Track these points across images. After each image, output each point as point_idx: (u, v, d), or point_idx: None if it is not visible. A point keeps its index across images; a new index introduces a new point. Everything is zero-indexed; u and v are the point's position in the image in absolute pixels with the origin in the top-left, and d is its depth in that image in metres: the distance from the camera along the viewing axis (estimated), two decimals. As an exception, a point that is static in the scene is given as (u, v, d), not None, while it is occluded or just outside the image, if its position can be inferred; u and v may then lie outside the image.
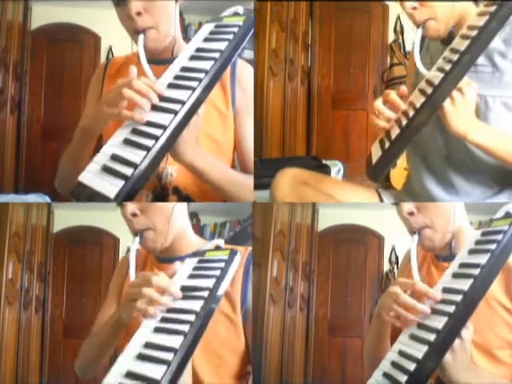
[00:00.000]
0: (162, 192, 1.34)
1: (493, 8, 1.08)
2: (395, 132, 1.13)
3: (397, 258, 3.21)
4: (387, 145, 1.14)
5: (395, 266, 3.22)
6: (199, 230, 3.28)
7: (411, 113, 1.11)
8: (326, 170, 2.64)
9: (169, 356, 0.95)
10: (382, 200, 1.47)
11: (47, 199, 1.88)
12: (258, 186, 1.39)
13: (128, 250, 3.24)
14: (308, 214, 3.06)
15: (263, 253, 2.88)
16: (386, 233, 3.23)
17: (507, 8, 1.06)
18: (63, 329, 3.08)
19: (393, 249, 3.22)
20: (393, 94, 1.16)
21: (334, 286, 3.20)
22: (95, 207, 2.84)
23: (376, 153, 1.18)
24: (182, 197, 1.33)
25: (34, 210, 2.91)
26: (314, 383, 3.05)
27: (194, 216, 3.19)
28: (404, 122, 1.12)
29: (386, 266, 3.24)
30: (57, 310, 3.09)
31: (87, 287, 3.11)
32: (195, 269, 1.12)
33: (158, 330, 1.01)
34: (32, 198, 1.93)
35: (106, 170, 1.04)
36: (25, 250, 2.87)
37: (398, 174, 2.11)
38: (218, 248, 1.17)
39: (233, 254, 1.12)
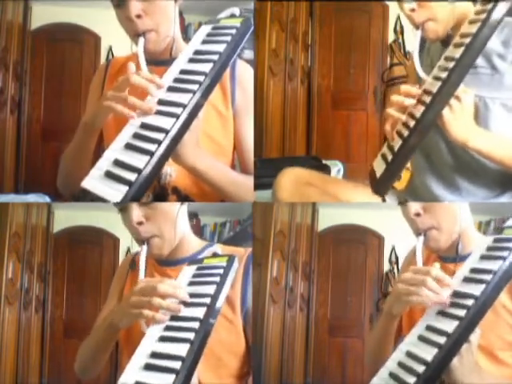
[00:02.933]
0: (162, 192, 1.34)
1: (483, 15, 1.08)
2: (397, 144, 1.13)
3: (397, 258, 3.21)
4: (390, 157, 1.15)
5: (395, 266, 3.21)
6: (199, 229, 3.27)
7: (412, 123, 1.11)
8: (326, 170, 2.64)
9: (177, 364, 0.95)
10: (384, 200, 1.47)
11: (47, 199, 1.88)
12: (258, 186, 1.39)
13: (128, 252, 3.22)
14: (308, 214, 3.05)
15: (263, 253, 2.87)
16: (386, 233, 3.23)
17: (497, 14, 1.07)
18: (63, 329, 3.08)
19: (393, 249, 3.22)
20: (405, 86, 1.16)
21: (334, 286, 3.19)
22: (95, 207, 2.84)
23: (379, 167, 1.18)
24: (182, 197, 1.33)
25: (34, 210, 2.91)
26: (314, 383, 3.05)
27: (193, 216, 3.19)
28: (405, 133, 1.12)
29: (386, 266, 3.24)
30: (57, 310, 3.08)
31: (87, 287, 3.10)
32: (195, 276, 1.12)
33: (163, 339, 1.02)
34: (32, 197, 1.93)
35: (110, 175, 1.03)
36: (25, 250, 2.87)
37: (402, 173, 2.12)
38: (215, 255, 1.17)
39: (231, 259, 1.12)
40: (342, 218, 3.21)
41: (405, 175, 1.53)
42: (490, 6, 1.08)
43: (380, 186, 1.19)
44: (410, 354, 1.00)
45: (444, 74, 1.10)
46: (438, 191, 1.36)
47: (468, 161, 1.28)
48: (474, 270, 1.06)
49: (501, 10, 1.07)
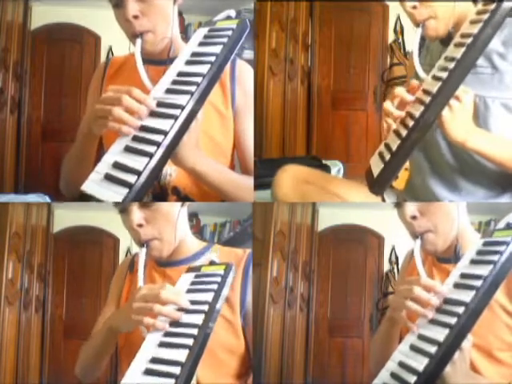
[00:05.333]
0: (162, 192, 1.34)
1: (486, 15, 1.07)
2: (395, 143, 1.12)
3: (397, 258, 3.21)
4: (388, 157, 1.14)
5: (395, 266, 3.22)
6: (199, 230, 3.27)
7: (410, 123, 1.10)
8: (325, 170, 2.64)
9: (176, 370, 0.97)
10: (384, 200, 1.47)
11: (47, 199, 1.88)
12: (258, 186, 1.39)
13: (127, 252, 3.22)
14: (308, 214, 3.05)
15: (263, 253, 2.87)
16: (386, 233, 3.23)
17: (500, 15, 1.06)
18: (63, 329, 3.08)
19: (393, 249, 3.22)
20: (400, 89, 1.15)
21: (334, 286, 3.20)
22: (95, 207, 2.84)
23: (376, 166, 1.17)
24: (182, 197, 1.33)
25: (33, 210, 2.91)
26: (313, 383, 3.05)
27: (193, 216, 3.19)
28: (404, 132, 1.11)
29: (386, 266, 3.24)
30: (57, 310, 3.08)
31: (87, 287, 3.11)
32: (193, 283, 1.13)
33: (162, 344, 1.03)
34: (32, 198, 1.93)
35: (109, 178, 1.03)
36: (25, 250, 2.87)
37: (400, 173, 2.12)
38: (212, 262, 1.18)
39: (228, 268, 1.13)
40: (341, 218, 3.21)
41: (403, 175, 1.52)
42: (492, 6, 1.07)
43: (377, 186, 1.17)
44: (402, 364, 1.00)
45: (444, 74, 1.09)
46: (437, 191, 1.35)
47: (468, 160, 1.28)
48: (464, 276, 1.05)
49: (504, 10, 1.06)
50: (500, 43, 1.20)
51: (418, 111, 1.10)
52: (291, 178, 1.46)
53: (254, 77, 1.38)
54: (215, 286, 1.09)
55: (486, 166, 1.27)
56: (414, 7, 1.20)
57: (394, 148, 1.12)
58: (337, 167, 2.74)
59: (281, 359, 2.91)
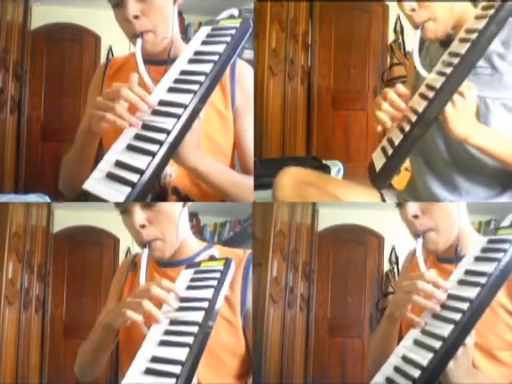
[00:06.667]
0: (162, 192, 1.34)
1: (491, 11, 1.08)
2: (398, 138, 1.13)
3: (397, 258, 3.21)
4: (390, 152, 1.14)
5: (395, 266, 3.22)
6: (199, 230, 3.27)
7: (413, 118, 1.11)
8: (325, 170, 2.64)
9: (177, 369, 0.96)
10: (384, 200, 1.47)
11: (47, 199, 1.88)
12: (258, 186, 1.39)
13: (128, 252, 3.21)
14: (308, 214, 3.05)
15: (263, 253, 2.87)
16: (386, 233, 3.23)
17: (505, 11, 1.06)
18: (63, 329, 3.08)
19: (393, 249, 3.22)
20: (391, 93, 1.16)
21: (333, 286, 3.20)
22: (95, 207, 2.84)
23: (378, 160, 1.17)
24: (181, 197, 1.33)
25: (33, 210, 2.91)
26: (313, 383, 3.05)
27: (193, 216, 3.19)
28: (407, 127, 1.11)
29: (386, 266, 3.24)
30: (57, 310, 3.08)
31: (87, 287, 3.11)
32: (192, 280, 1.12)
33: (162, 343, 1.02)
34: (32, 198, 1.93)
35: (111, 176, 1.03)
36: (25, 250, 2.87)
37: (400, 174, 2.11)
38: (212, 258, 1.18)
39: (228, 263, 1.13)
40: (341, 218, 3.21)
41: (405, 176, 1.53)
42: (498, 2, 1.07)
43: (379, 180, 1.18)
44: (405, 359, 1.00)
45: (448, 70, 1.09)
46: (438, 192, 1.36)
47: (467, 160, 1.28)
48: (468, 273, 1.05)
49: (509, 7, 1.06)
50: (500, 44, 1.20)
51: (421, 106, 1.10)
52: (292, 180, 1.46)
53: (254, 77, 1.38)
54: (215, 282, 1.09)
55: (485, 165, 1.27)
56: (413, 9, 1.20)
57: (397, 143, 1.12)
58: (337, 167, 2.74)
59: (281, 359, 2.91)
